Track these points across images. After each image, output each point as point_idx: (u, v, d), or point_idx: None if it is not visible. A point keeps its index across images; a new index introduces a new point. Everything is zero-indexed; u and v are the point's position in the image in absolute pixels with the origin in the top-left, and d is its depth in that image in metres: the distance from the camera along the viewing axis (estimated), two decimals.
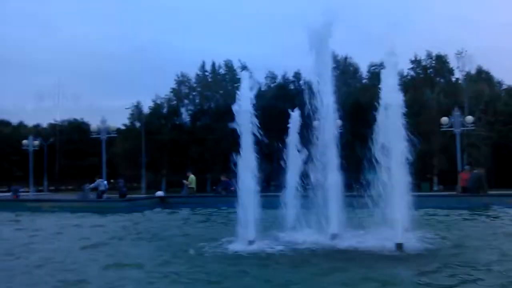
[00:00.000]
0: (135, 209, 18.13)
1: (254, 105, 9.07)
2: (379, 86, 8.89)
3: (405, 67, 52.73)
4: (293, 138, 10.48)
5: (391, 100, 8.61)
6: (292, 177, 10.21)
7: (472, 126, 35.68)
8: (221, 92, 56.42)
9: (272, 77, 57.04)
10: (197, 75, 59.49)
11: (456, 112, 34.46)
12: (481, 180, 20.43)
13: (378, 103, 8.77)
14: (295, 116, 10.59)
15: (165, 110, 58.69)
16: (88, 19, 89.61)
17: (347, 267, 7.13)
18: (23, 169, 46.27)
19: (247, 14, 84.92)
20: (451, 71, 54.17)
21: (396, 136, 8.39)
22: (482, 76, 54.42)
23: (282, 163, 10.32)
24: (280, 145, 10.41)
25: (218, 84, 58.01)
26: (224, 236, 9.44)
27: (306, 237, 9.09)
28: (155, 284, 6.45)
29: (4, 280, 6.85)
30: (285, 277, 6.65)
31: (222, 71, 59.79)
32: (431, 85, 50.92)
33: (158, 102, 58.58)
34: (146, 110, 58.32)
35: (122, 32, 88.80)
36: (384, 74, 8.94)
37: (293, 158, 10.30)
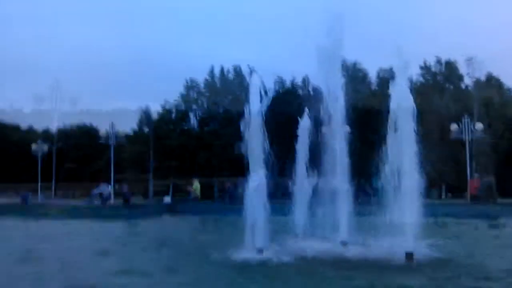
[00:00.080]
0: (142, 216, 18.11)
1: (264, 111, 8.96)
2: (389, 92, 8.81)
3: (414, 72, 52.46)
4: (302, 145, 10.39)
5: (402, 105, 8.52)
6: (301, 184, 10.13)
7: (481, 133, 35.39)
8: (229, 97, 56.43)
9: (281, 81, 56.94)
10: (206, 80, 59.61)
11: (466, 119, 34.24)
12: (491, 188, 20.28)
13: (388, 109, 8.69)
14: (304, 124, 10.50)
15: (173, 116, 58.75)
16: (96, 23, 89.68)
17: (355, 275, 7.03)
18: (31, 173, 46.38)
19: (258, 19, 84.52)
20: (460, 78, 53.83)
21: (407, 142, 8.31)
22: (492, 83, 54.03)
23: (290, 170, 10.25)
24: (288, 152, 10.33)
25: (227, 89, 58.04)
26: (232, 244, 9.30)
27: (315, 244, 9.00)
28: None
29: (10, 285, 6.82)
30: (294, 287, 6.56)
31: (231, 76, 59.84)
32: (441, 92, 50.63)
33: (167, 107, 58.70)
34: (154, 114, 58.33)
35: (129, 35, 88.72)
36: (394, 81, 8.86)
37: (302, 165, 10.21)
